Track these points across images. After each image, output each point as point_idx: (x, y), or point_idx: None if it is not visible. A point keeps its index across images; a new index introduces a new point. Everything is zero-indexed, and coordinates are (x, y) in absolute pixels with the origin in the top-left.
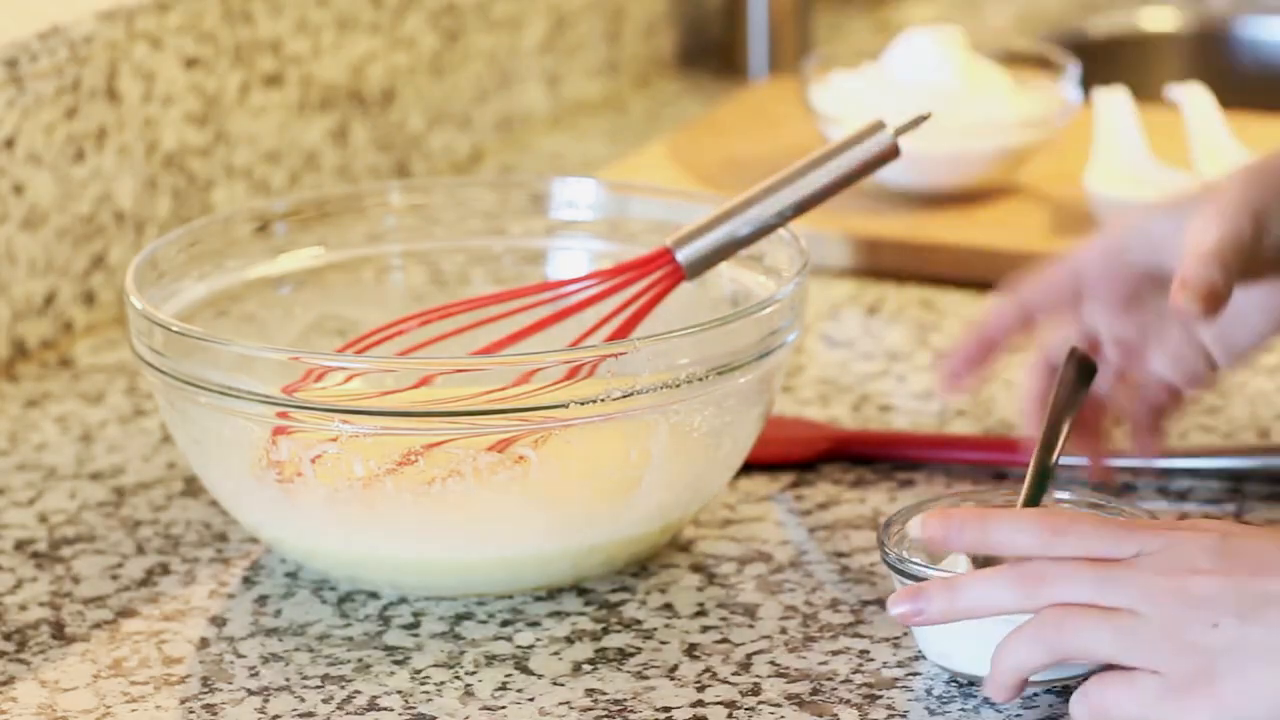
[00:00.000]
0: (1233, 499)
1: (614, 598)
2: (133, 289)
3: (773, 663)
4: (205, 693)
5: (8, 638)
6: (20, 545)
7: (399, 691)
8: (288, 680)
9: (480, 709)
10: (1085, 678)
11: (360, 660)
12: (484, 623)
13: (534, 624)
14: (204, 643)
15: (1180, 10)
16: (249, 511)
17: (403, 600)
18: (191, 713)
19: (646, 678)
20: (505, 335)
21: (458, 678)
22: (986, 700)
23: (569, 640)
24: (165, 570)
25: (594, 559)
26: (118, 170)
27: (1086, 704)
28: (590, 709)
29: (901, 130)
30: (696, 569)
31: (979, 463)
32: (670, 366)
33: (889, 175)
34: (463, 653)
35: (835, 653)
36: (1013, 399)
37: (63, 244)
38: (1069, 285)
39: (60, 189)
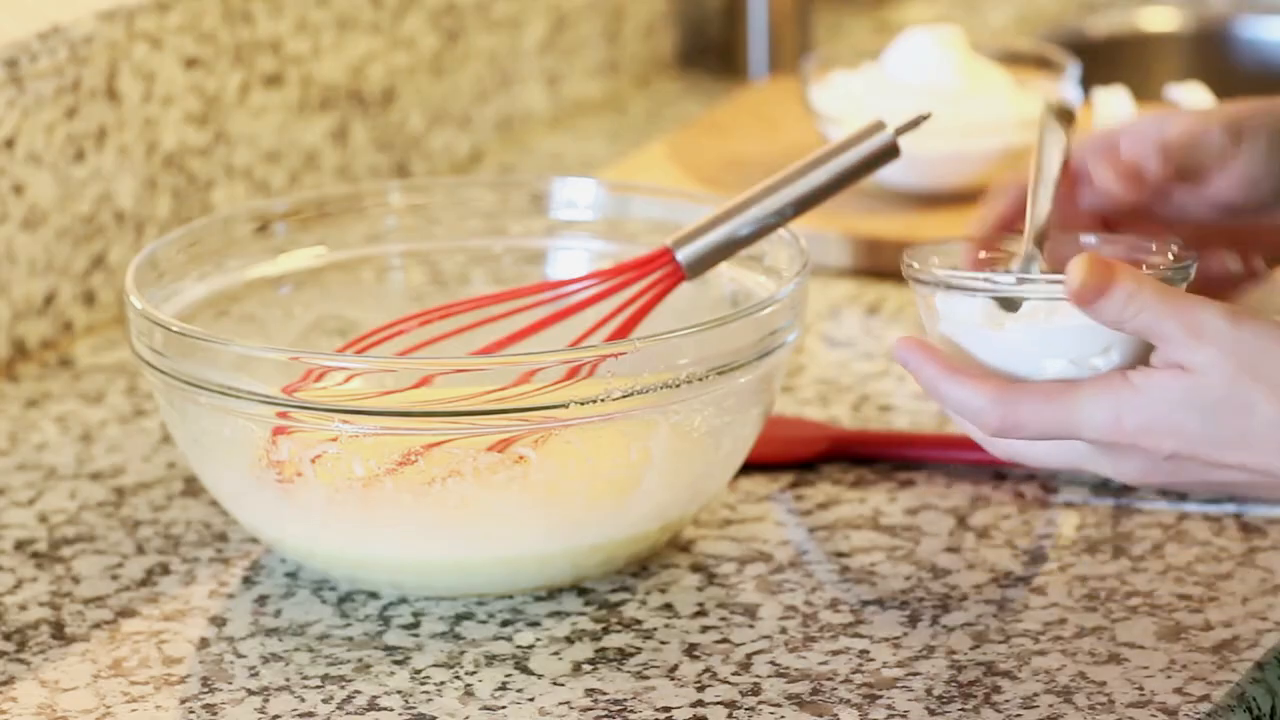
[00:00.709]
0: (1233, 499)
1: (614, 598)
2: (133, 289)
3: (773, 663)
4: (205, 693)
5: (8, 638)
6: (20, 545)
7: (399, 691)
8: (288, 680)
9: (480, 709)
10: None
11: (360, 660)
12: (484, 623)
13: (534, 624)
14: (204, 643)
15: (1180, 10)
16: (249, 511)
17: (403, 600)
18: (191, 713)
19: (646, 678)
20: (505, 335)
21: (458, 678)
22: (987, 700)
23: (569, 640)
24: (165, 570)
25: (594, 559)
26: (118, 170)
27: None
28: (590, 709)
29: (901, 130)
30: (696, 569)
31: (979, 463)
32: (670, 366)
33: (889, 175)
34: (463, 653)
35: (835, 653)
36: None
37: (63, 244)
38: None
39: (60, 189)
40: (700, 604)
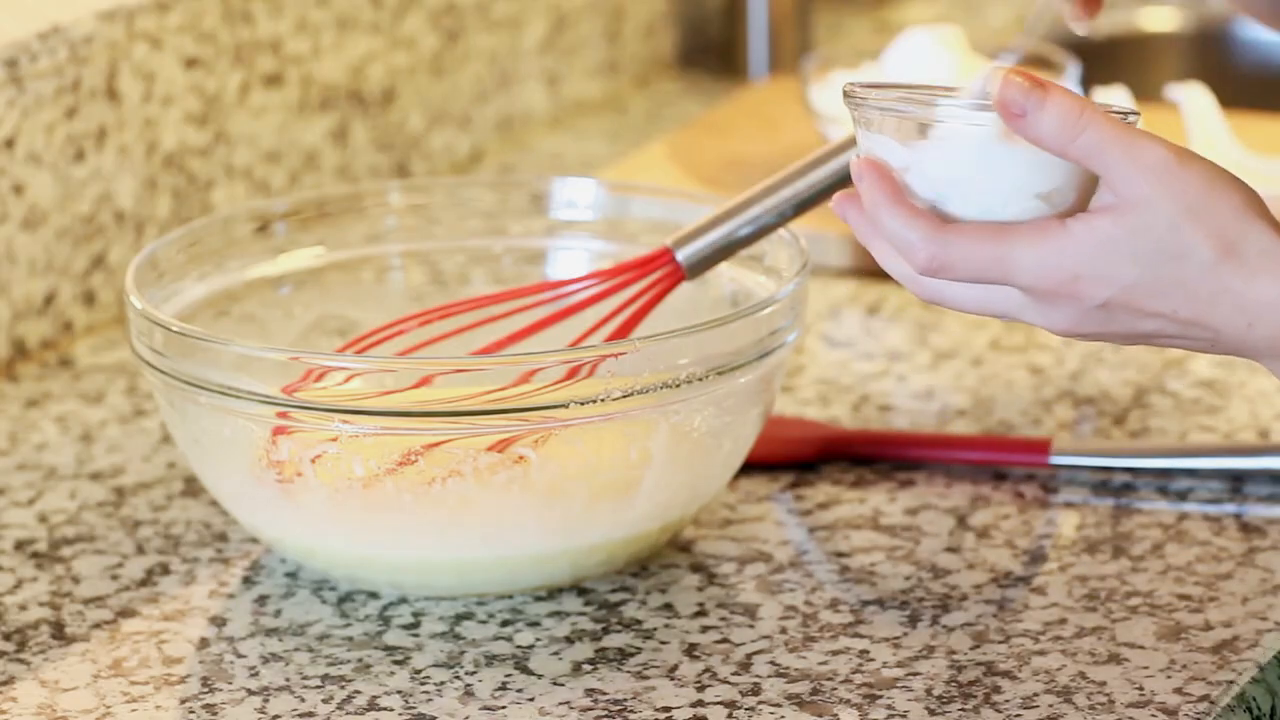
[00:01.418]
0: (1233, 499)
1: (614, 598)
2: (133, 289)
3: (773, 663)
4: (205, 693)
5: (8, 638)
6: (20, 545)
7: (399, 691)
8: (288, 680)
9: (480, 709)
10: None
11: (360, 660)
12: (484, 623)
13: (534, 624)
14: (204, 643)
15: (1180, 10)
16: (249, 511)
17: (403, 600)
18: (191, 713)
19: (646, 678)
20: (505, 335)
21: (458, 678)
22: (987, 700)
23: (569, 640)
24: (165, 570)
25: (594, 559)
26: (118, 170)
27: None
28: (590, 709)
29: None
30: (696, 569)
31: (979, 463)
32: (670, 366)
33: None
34: (463, 653)
35: (835, 653)
36: (1013, 399)
37: (63, 244)
38: None
39: (60, 189)
40: (700, 604)
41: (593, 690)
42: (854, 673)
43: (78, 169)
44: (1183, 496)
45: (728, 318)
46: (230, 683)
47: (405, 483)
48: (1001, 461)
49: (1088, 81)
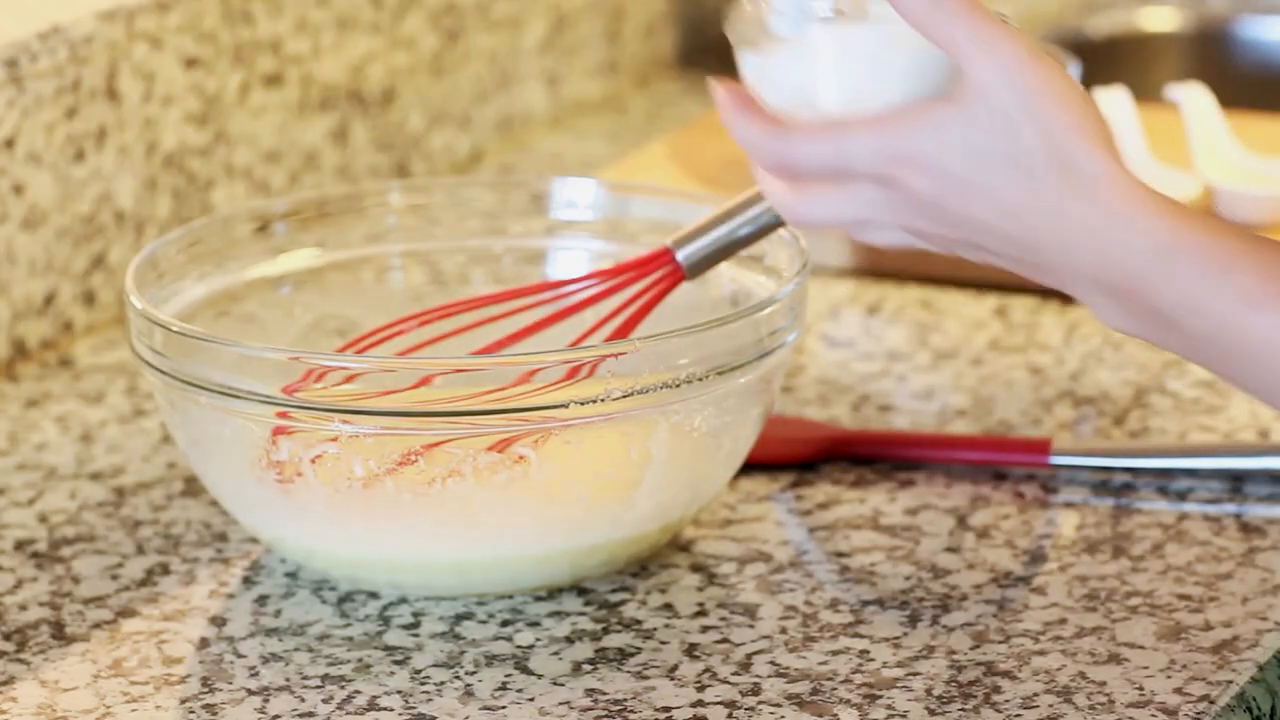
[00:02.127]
0: (1233, 499)
1: (614, 598)
2: (133, 289)
3: (773, 663)
4: (205, 693)
5: (8, 638)
6: (20, 545)
7: (399, 691)
8: (288, 680)
9: (480, 709)
10: None
11: (360, 660)
12: (484, 623)
13: (534, 624)
14: (204, 643)
15: (1180, 10)
16: (249, 511)
17: (403, 600)
18: (191, 713)
19: (646, 678)
20: (505, 335)
21: (458, 678)
22: (987, 700)
23: (569, 640)
24: (165, 570)
25: (594, 559)
26: (118, 170)
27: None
28: (590, 709)
29: None
30: (696, 569)
31: (979, 463)
32: (670, 366)
33: None
34: (463, 653)
35: (835, 653)
36: (1013, 399)
37: (63, 244)
38: None
39: (60, 189)
40: (700, 604)
41: (593, 690)
42: (854, 673)
43: (78, 169)
44: (1183, 496)
45: (728, 318)
46: (230, 683)
47: (405, 483)
48: (1001, 461)
49: (1088, 81)
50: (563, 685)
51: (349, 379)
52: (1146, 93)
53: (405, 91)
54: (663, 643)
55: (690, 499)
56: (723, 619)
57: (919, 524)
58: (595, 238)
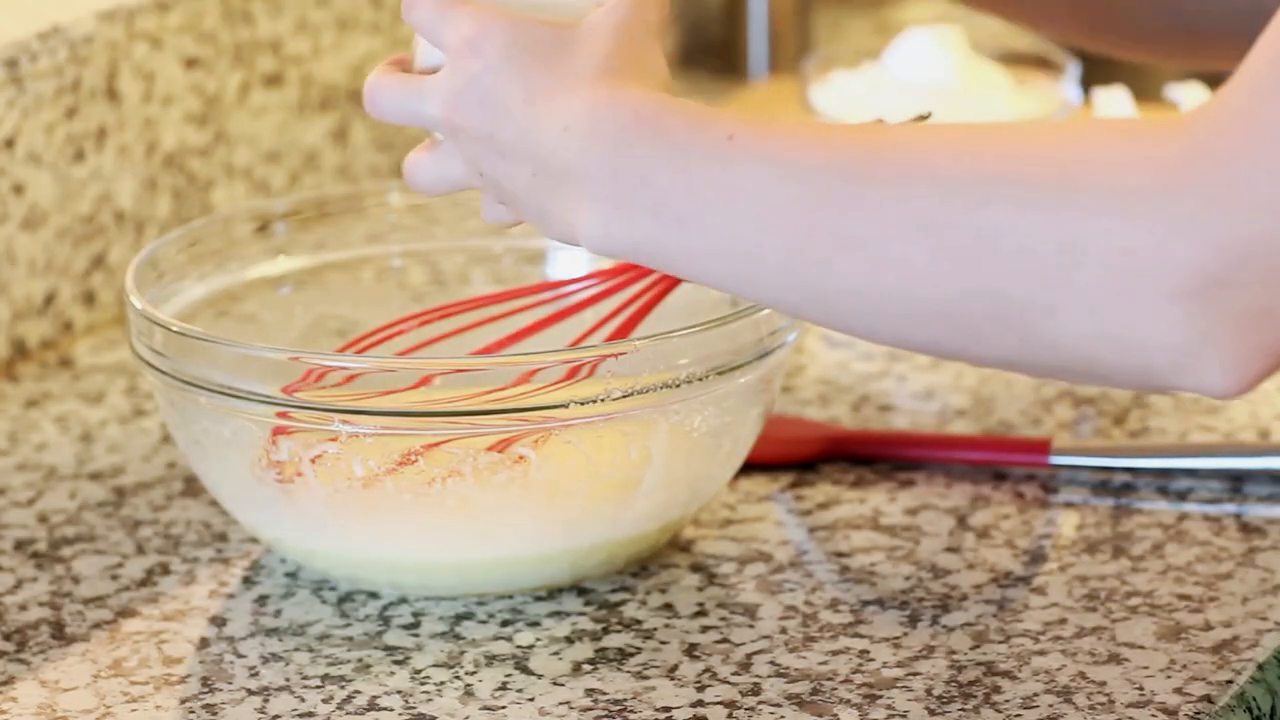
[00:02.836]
0: (1233, 499)
1: (614, 598)
2: (133, 289)
3: (773, 663)
4: (205, 693)
5: (8, 638)
6: (20, 545)
7: (399, 691)
8: (288, 680)
9: (480, 709)
10: None
11: (360, 660)
12: (484, 623)
13: (534, 624)
14: (204, 643)
15: None
16: (249, 511)
17: (403, 600)
18: (191, 713)
19: (646, 678)
20: (505, 335)
21: (458, 678)
22: (987, 700)
23: (569, 640)
24: (165, 570)
25: (594, 559)
26: (118, 170)
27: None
28: (590, 709)
29: None
30: (696, 569)
31: (979, 463)
32: (670, 366)
33: None
34: (463, 653)
35: (835, 653)
36: (1013, 399)
37: (63, 244)
38: None
39: (60, 189)
40: (700, 604)
41: (593, 690)
42: (854, 673)
43: (78, 169)
44: (1183, 496)
45: (728, 318)
46: (230, 683)
47: (405, 483)
48: (1001, 461)
49: (1088, 81)
50: (563, 685)
51: (349, 379)
52: (1146, 93)
53: None
54: (663, 643)
55: (690, 499)
56: (723, 619)
57: (919, 524)
58: None
